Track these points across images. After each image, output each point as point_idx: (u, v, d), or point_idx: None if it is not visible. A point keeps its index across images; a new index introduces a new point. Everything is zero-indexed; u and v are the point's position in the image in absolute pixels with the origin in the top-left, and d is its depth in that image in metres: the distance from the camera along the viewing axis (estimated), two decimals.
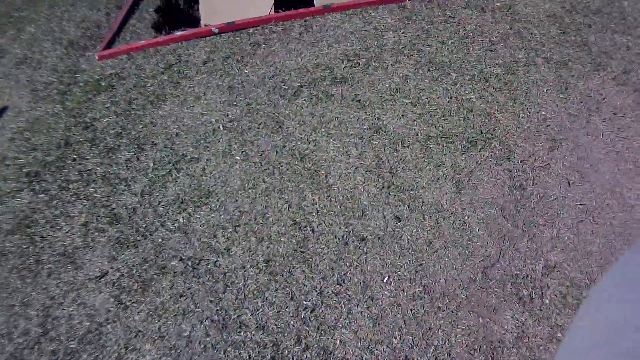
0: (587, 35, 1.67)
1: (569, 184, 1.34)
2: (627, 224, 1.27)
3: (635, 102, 1.51)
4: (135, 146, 1.51)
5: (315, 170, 1.41)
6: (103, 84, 1.74)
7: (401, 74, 1.65)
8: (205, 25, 1.95)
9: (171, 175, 1.40)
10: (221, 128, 1.50)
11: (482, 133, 1.43)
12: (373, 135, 1.44)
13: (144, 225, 1.32)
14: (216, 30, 1.87)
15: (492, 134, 1.43)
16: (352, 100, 1.55)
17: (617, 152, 1.40)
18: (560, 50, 1.62)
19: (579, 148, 1.40)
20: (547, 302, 1.16)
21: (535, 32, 1.69)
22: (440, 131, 1.45)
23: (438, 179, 1.34)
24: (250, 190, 1.36)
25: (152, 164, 1.45)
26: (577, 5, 1.82)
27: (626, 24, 1.73)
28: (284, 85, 1.62)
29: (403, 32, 1.83)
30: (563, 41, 1.66)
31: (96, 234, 1.31)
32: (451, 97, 1.54)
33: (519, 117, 1.46)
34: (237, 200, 1.33)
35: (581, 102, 1.49)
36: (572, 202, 1.30)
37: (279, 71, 1.67)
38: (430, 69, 1.65)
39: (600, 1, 1.84)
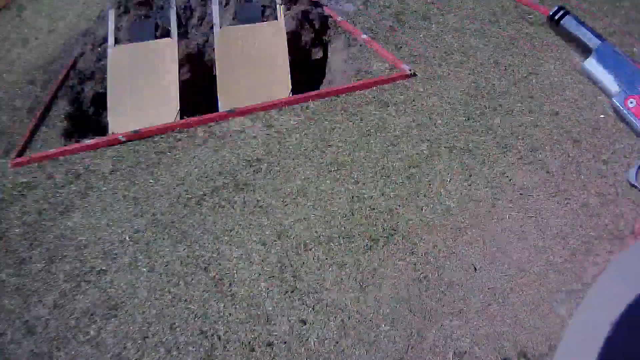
0: (492, 119, 4.37)
1: (475, 269, 3.51)
2: (542, 300, 3.40)
3: (543, 179, 3.98)
4: (47, 257, 3.63)
5: (219, 279, 3.43)
6: (14, 192, 4.03)
7: (303, 177, 4.01)
8: (113, 134, 4.53)
9: (81, 287, 3.45)
10: (127, 239, 3.70)
11: (384, 230, 3.64)
12: (276, 241, 3.64)
13: (57, 339, 3.05)
14: (123, 139, 4.40)
15: (394, 230, 3.64)
16: (255, 207, 3.84)
17: (524, 233, 3.73)
18: (464, 138, 4.23)
19: (485, 233, 3.67)
20: None
21: (438, 122, 4.36)
22: (342, 231, 3.63)
23: (342, 279, 3.40)
24: (157, 301, 3.29)
25: (62, 275, 3.55)
26: (482, 90, 4.64)
27: (533, 103, 4.53)
28: (187, 194, 3.97)
29: (305, 134, 4.35)
30: (467, 128, 4.31)
31: (12, 346, 3.02)
32: (352, 197, 3.84)
33: (422, 210, 3.76)
34: (144, 312, 3.26)
35: (486, 187, 3.90)
36: (480, 286, 3.45)
37: (183, 180, 4.06)
38: (332, 170, 4.05)
39: (507, 83, 4.67)
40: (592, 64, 1.01)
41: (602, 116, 4.71)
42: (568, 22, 1.05)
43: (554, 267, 3.47)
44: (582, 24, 1.04)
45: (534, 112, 4.49)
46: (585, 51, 1.03)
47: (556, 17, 1.07)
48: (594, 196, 3.90)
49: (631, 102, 0.94)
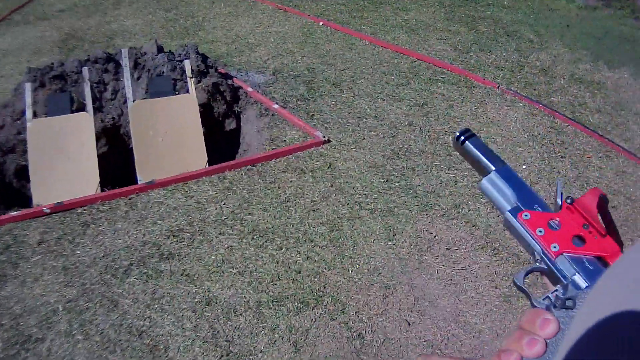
0: (411, 179, 5.02)
1: (409, 324, 4.13)
2: (477, 348, 4.03)
3: (468, 233, 4.68)
4: None
5: (154, 345, 3.85)
6: None
7: (226, 245, 4.52)
8: (37, 206, 4.93)
9: (20, 355, 3.71)
10: (60, 309, 4.02)
11: (312, 292, 4.20)
12: (205, 307, 4.08)
13: None
14: (47, 211, 4.81)
15: (323, 292, 4.21)
16: (181, 275, 4.28)
17: (455, 285, 4.37)
18: (384, 199, 4.85)
19: (414, 289, 4.30)
20: None
21: (357, 186, 4.97)
22: (270, 296, 4.15)
23: (275, 341, 3.90)
24: None
25: (1, 343, 3.79)
26: (399, 151, 5.34)
27: (452, 160, 5.22)
28: (114, 264, 4.36)
29: (225, 203, 4.91)
30: (387, 189, 4.94)
31: None
32: (278, 262, 4.39)
33: (349, 271, 4.35)
34: None
35: (411, 245, 4.54)
36: (416, 340, 4.04)
37: (109, 251, 4.47)
38: (255, 237, 4.60)
39: (422, 142, 5.45)
40: (487, 184, 1.12)
41: (524, 167, 5.57)
42: (469, 146, 1.17)
43: (488, 316, 4.14)
44: (483, 148, 1.17)
45: (453, 169, 5.12)
46: (485, 172, 1.15)
47: (460, 140, 1.19)
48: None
49: (525, 215, 1.02)
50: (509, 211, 1.04)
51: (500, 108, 6.49)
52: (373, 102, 6.13)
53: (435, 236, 4.62)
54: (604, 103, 6.98)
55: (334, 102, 6.21)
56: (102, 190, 5.14)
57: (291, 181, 5.09)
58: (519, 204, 1.04)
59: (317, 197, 4.93)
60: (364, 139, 5.59)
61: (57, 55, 8.08)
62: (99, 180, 5.21)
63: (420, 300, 4.19)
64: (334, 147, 5.50)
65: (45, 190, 5.18)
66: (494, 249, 4.54)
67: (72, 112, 5.73)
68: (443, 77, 6.89)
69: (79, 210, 4.85)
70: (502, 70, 7.42)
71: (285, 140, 5.61)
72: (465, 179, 5.10)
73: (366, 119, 5.85)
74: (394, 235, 4.61)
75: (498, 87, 6.85)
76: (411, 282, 4.30)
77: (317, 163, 5.29)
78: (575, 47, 8.54)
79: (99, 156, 5.47)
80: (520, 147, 5.85)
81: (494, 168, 1.12)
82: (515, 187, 1.07)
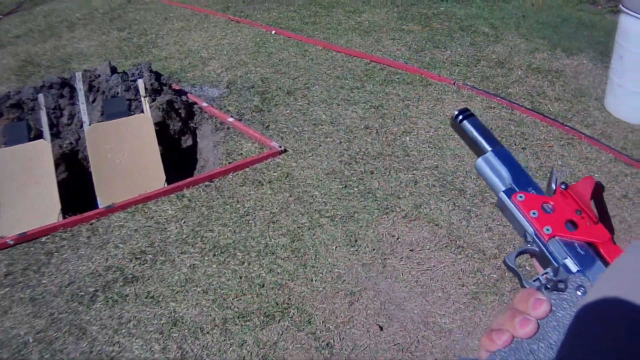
0: (370, 183, 5.06)
1: (381, 329, 4.19)
2: (448, 348, 4.10)
3: (431, 232, 4.75)
4: None
5: None
6: None
7: (188, 264, 4.55)
8: (1, 237, 4.93)
9: None
10: (31, 340, 4.02)
11: (277, 305, 4.24)
12: (172, 328, 4.10)
13: None
14: (11, 242, 4.85)
15: (288, 304, 4.25)
16: (146, 298, 4.29)
17: (421, 286, 4.44)
18: (344, 205, 4.88)
19: (380, 294, 4.36)
20: None
21: (316, 194, 5.01)
22: (236, 312, 4.19)
23: (244, 357, 3.94)
24: None
25: None
26: (356, 156, 5.39)
27: (410, 160, 5.28)
28: (80, 291, 4.37)
29: (184, 222, 4.94)
30: (346, 195, 4.99)
31: None
32: (241, 277, 4.43)
33: (312, 280, 4.40)
34: None
35: (374, 250, 4.60)
36: (385, 345, 4.09)
37: (74, 278, 4.48)
38: (216, 254, 4.63)
39: (380, 145, 5.53)
40: (483, 164, 1.14)
41: None
42: (467, 126, 1.19)
43: (457, 314, 4.22)
44: (481, 128, 1.18)
45: (412, 169, 5.18)
46: (482, 152, 1.17)
47: (459, 120, 1.21)
48: (487, 240, 4.71)
49: (520, 197, 1.04)
50: (504, 192, 1.07)
51: (457, 104, 6.57)
52: (328, 108, 6.20)
53: (397, 238, 4.68)
54: (564, 91, 7.11)
55: (289, 110, 6.27)
56: (64, 217, 5.16)
57: (249, 194, 5.13)
58: (513, 185, 1.07)
59: (276, 208, 4.97)
60: (320, 145, 5.64)
61: (14, 83, 8.06)
62: (60, 207, 5.23)
63: (387, 305, 4.25)
64: (291, 156, 5.55)
65: (9, 221, 5.20)
66: (458, 247, 4.61)
67: (30, 140, 5.75)
68: (398, 78, 6.97)
69: (43, 239, 4.87)
70: (457, 65, 7.53)
71: (241, 153, 5.65)
72: (425, 179, 5.18)
73: (322, 125, 5.92)
74: (356, 241, 4.67)
75: (454, 83, 6.94)
76: (376, 287, 4.35)
77: (275, 174, 5.34)
78: (532, 37, 8.69)
79: (59, 182, 5.49)
80: None
81: (490, 148, 1.14)
82: (510, 168, 1.10)
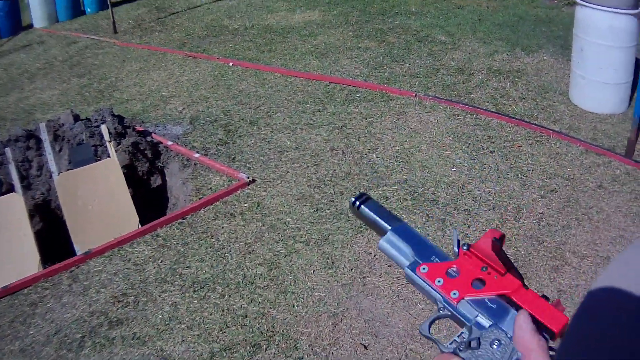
0: (341, 204, 5.19)
1: (365, 347, 4.34)
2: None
3: None
4: None
5: None
6: None
7: (170, 302, 4.65)
8: None
9: None
10: None
11: (262, 333, 4.36)
12: None
13: None
14: None
15: (272, 331, 4.38)
16: (133, 339, 4.36)
17: (403, 300, 4.59)
18: (317, 229, 5.00)
19: (363, 312, 4.50)
20: None
21: (288, 220, 5.13)
22: (222, 345, 4.30)
23: None
24: None
25: None
26: (324, 178, 5.52)
27: (379, 176, 5.43)
28: (67, 339, 4.44)
29: (162, 261, 5.05)
30: (318, 218, 5.10)
31: None
32: (223, 310, 4.54)
33: (294, 306, 4.53)
34: None
35: (352, 269, 4.75)
36: None
37: (60, 326, 4.55)
38: (196, 289, 4.74)
39: (347, 165, 5.71)
40: (385, 244, 1.18)
41: (453, 169, 5.88)
42: (365, 210, 1.25)
43: (442, 324, 4.38)
44: (379, 209, 1.24)
45: (382, 186, 5.31)
46: (383, 233, 1.21)
47: (356, 205, 1.26)
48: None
49: (423, 269, 1.08)
50: (408, 267, 1.11)
51: (420, 115, 6.77)
52: (292, 134, 6.35)
53: (374, 256, 4.83)
54: (527, 89, 7.33)
55: (254, 140, 6.41)
56: (44, 267, 5.26)
57: (223, 227, 5.26)
58: (416, 258, 1.12)
59: (251, 238, 5.10)
60: (288, 172, 5.78)
61: None
62: (39, 257, 5.35)
63: (371, 322, 4.39)
64: (260, 185, 5.68)
65: None
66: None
67: (2, 194, 5.89)
68: (359, 96, 7.14)
69: (25, 290, 4.94)
70: (417, 77, 7.73)
71: (211, 188, 5.78)
72: (395, 194, 5.34)
73: (287, 151, 6.06)
74: (333, 262, 4.81)
75: (415, 95, 7.12)
76: (358, 306, 4.50)
77: (245, 205, 5.46)
78: (490, 40, 8.93)
79: (35, 233, 5.61)
80: (447, 151, 6.13)
81: (390, 227, 1.19)
82: (412, 243, 1.15)
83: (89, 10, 14.61)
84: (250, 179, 5.70)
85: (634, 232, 5.09)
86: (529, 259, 4.83)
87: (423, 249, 1.14)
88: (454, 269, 1.07)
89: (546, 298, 0.98)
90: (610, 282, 0.72)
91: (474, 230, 5.05)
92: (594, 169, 5.83)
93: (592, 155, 6.04)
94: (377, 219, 1.23)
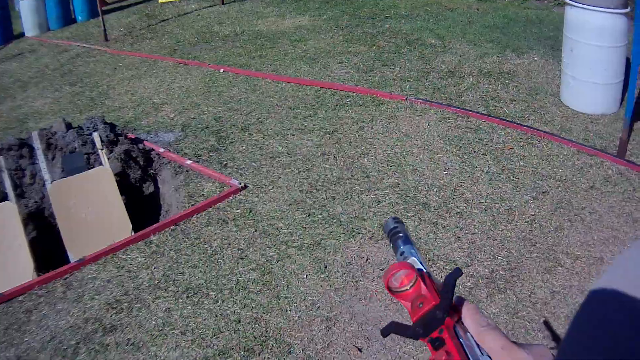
0: (333, 208, 5.24)
1: (360, 350, 4.38)
2: None
3: None
4: None
5: None
6: None
7: (163, 308, 4.69)
8: None
9: None
10: None
11: (255, 339, 4.40)
12: None
13: None
14: None
15: (266, 336, 4.42)
16: (127, 345, 4.37)
17: (396, 303, 4.63)
18: (310, 233, 5.05)
19: (356, 316, 4.54)
20: None
21: (280, 225, 5.18)
22: (216, 350, 4.33)
23: None
24: None
25: None
26: (316, 183, 5.57)
27: (371, 181, 5.48)
28: (62, 345, 4.46)
29: (155, 267, 5.08)
30: (310, 223, 5.15)
31: None
32: (216, 316, 4.58)
33: (287, 311, 4.57)
34: None
35: (344, 274, 4.79)
36: None
37: (55, 333, 4.58)
38: (189, 295, 4.78)
39: (338, 170, 5.76)
40: None
41: (444, 172, 5.92)
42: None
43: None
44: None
45: (373, 190, 5.37)
46: None
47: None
48: (457, 250, 4.90)
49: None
50: None
51: (411, 119, 6.81)
52: (283, 139, 6.39)
53: (367, 260, 4.87)
54: (518, 91, 7.38)
55: (245, 147, 6.45)
56: (38, 275, 5.29)
57: (215, 234, 5.30)
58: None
59: (243, 244, 5.14)
60: (280, 177, 5.83)
61: None
62: (33, 265, 5.38)
63: (364, 326, 4.42)
64: (252, 191, 5.72)
65: None
66: (429, 260, 4.79)
67: None
68: (350, 101, 7.19)
69: (20, 298, 4.98)
70: (408, 81, 7.78)
71: (203, 194, 5.82)
72: (387, 197, 5.37)
73: (279, 157, 6.11)
74: (326, 267, 4.85)
75: (406, 99, 7.17)
76: (351, 310, 4.53)
77: (238, 211, 5.50)
78: (480, 42, 8.99)
79: (29, 241, 5.64)
80: (438, 154, 6.18)
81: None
82: None
83: (79, 18, 14.67)
84: (242, 185, 5.74)
85: (628, 233, 5.13)
86: (522, 261, 4.87)
87: None
88: None
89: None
90: (611, 282, 0.73)
91: (466, 233, 5.10)
92: (586, 170, 5.88)
93: (584, 156, 6.09)
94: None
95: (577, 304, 4.59)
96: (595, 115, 6.83)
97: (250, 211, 5.48)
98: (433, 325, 0.97)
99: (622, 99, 6.88)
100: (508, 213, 5.39)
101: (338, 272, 4.80)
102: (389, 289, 1.03)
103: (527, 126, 6.56)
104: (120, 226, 5.68)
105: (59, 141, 6.46)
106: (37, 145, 6.34)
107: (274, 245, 5.09)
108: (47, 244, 6.01)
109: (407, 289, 1.03)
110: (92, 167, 6.14)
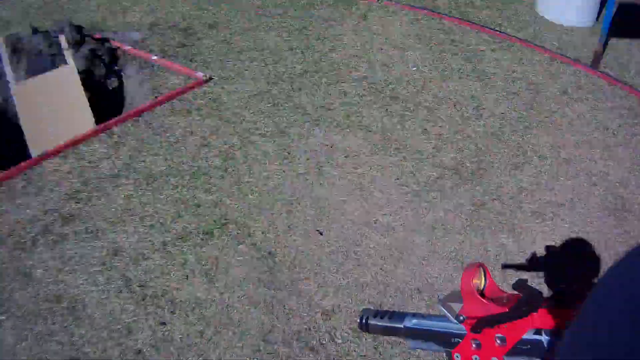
0: (299, 98, 5.15)
1: (321, 233, 4.34)
2: (392, 245, 4.27)
3: (365, 138, 4.84)
4: None
5: (73, 306, 3.90)
6: None
7: (123, 195, 4.59)
8: None
9: None
10: None
11: (215, 222, 4.34)
12: (113, 258, 4.13)
13: None
14: None
15: (226, 219, 4.36)
16: (86, 234, 4.31)
17: (360, 189, 4.56)
18: (274, 122, 4.98)
19: (319, 200, 4.47)
20: (340, 341, 3.83)
21: (245, 114, 5.08)
22: (174, 234, 4.28)
23: (187, 276, 4.04)
24: (24, 343, 3.74)
25: None
26: (283, 75, 5.41)
27: (339, 74, 5.44)
28: (21, 239, 4.38)
29: (116, 157, 4.97)
30: (275, 112, 5.09)
31: None
32: (176, 201, 4.50)
33: (248, 195, 4.50)
34: (15, 355, 3.69)
35: (308, 160, 4.71)
36: (328, 248, 4.25)
37: (14, 227, 4.48)
38: (150, 182, 4.69)
39: (306, 63, 5.65)
40: (416, 346, 1.23)
41: (413, 68, 5.83)
42: (372, 327, 1.30)
43: (399, 213, 4.38)
44: (383, 318, 1.29)
45: (340, 82, 5.30)
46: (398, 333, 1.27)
47: (363, 328, 1.32)
48: (424, 141, 4.92)
49: (457, 356, 1.09)
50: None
51: (383, 19, 6.68)
52: (251, 36, 6.26)
53: (331, 146, 4.80)
54: None
55: (212, 42, 6.31)
56: None
57: (178, 123, 5.19)
58: (445, 347, 1.17)
59: (207, 132, 5.04)
60: (246, 70, 5.71)
61: None
62: None
63: (325, 210, 4.37)
64: (217, 83, 5.60)
65: None
66: (395, 149, 4.74)
67: None
68: (320, 0, 7.08)
69: None
70: None
71: (167, 87, 5.68)
72: (354, 89, 5.29)
73: (246, 52, 5.98)
74: (289, 153, 4.77)
75: (378, 1, 7.07)
76: (313, 194, 4.47)
77: (202, 101, 5.39)
78: None
79: None
80: (408, 51, 6.09)
81: (402, 325, 1.26)
82: (431, 332, 1.20)
83: None
84: (208, 76, 5.62)
85: (600, 139, 5.10)
86: (489, 155, 4.84)
87: (444, 335, 1.16)
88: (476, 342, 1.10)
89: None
90: (611, 283, 0.72)
91: (433, 126, 5.04)
92: (558, 76, 5.84)
93: (557, 63, 6.03)
94: (387, 324, 1.28)
95: (546, 201, 4.59)
96: (569, 27, 6.74)
97: (215, 101, 5.38)
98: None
99: (599, 14, 6.78)
100: (477, 110, 5.34)
101: (301, 158, 4.74)
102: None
103: (499, 31, 6.46)
104: (84, 121, 5.58)
105: (26, 45, 6.33)
106: (2, 49, 6.20)
107: (237, 133, 5.01)
108: (11, 144, 5.91)
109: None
110: (58, 68, 6.01)
